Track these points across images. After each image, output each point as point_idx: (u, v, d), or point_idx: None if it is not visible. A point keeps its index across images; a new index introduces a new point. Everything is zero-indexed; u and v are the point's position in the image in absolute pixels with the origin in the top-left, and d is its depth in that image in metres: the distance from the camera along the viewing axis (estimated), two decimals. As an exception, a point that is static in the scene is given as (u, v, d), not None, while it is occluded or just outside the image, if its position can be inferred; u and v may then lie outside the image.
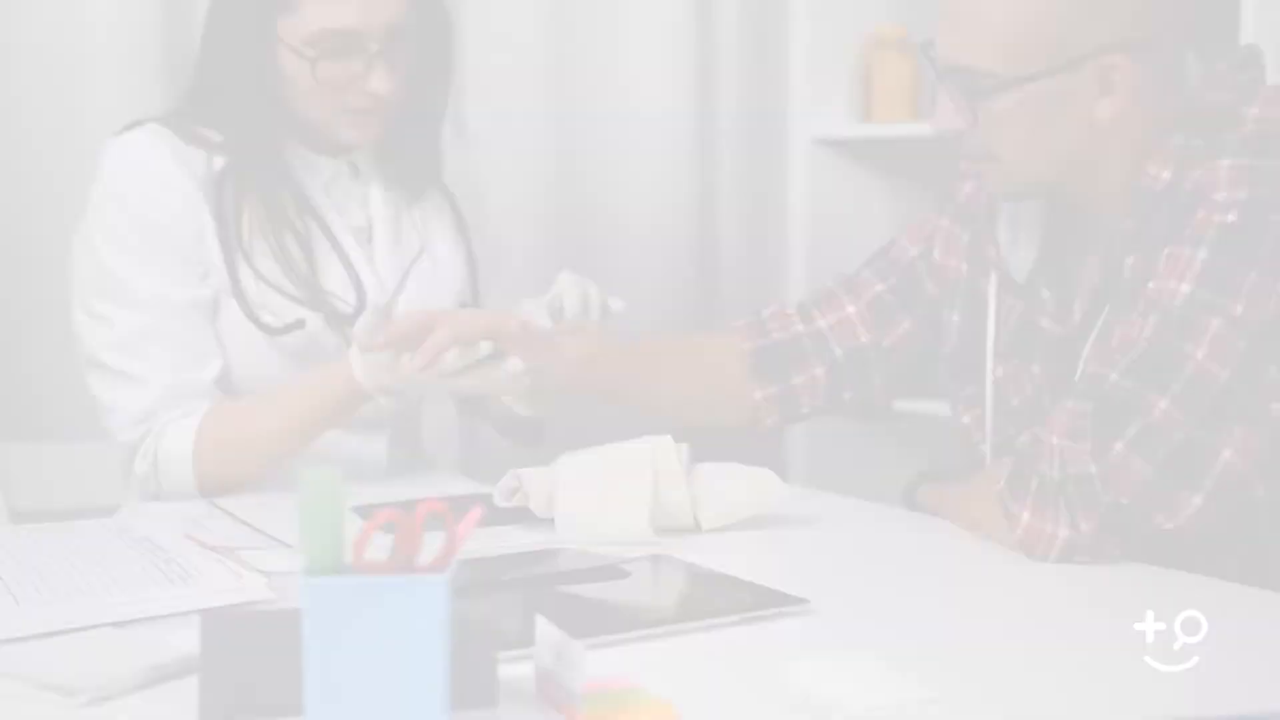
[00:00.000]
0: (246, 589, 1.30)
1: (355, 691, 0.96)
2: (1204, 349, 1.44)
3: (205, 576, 1.34)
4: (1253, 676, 1.17)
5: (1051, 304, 1.66)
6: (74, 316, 1.87)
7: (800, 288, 2.78)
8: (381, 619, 0.96)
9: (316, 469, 0.97)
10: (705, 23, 2.94)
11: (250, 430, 1.80)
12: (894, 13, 2.83)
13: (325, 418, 1.80)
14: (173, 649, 1.13)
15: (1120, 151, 1.56)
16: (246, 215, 1.86)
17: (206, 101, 1.91)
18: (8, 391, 2.47)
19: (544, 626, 1.06)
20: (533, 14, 2.81)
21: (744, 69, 2.99)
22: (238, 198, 1.86)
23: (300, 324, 1.86)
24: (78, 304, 1.86)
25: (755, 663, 1.18)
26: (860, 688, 1.07)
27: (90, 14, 2.44)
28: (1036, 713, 1.10)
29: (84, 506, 2.11)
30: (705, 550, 1.49)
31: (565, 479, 1.57)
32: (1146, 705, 1.10)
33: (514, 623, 1.23)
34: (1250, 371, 1.45)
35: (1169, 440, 1.43)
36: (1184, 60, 1.58)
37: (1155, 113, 1.56)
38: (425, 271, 1.97)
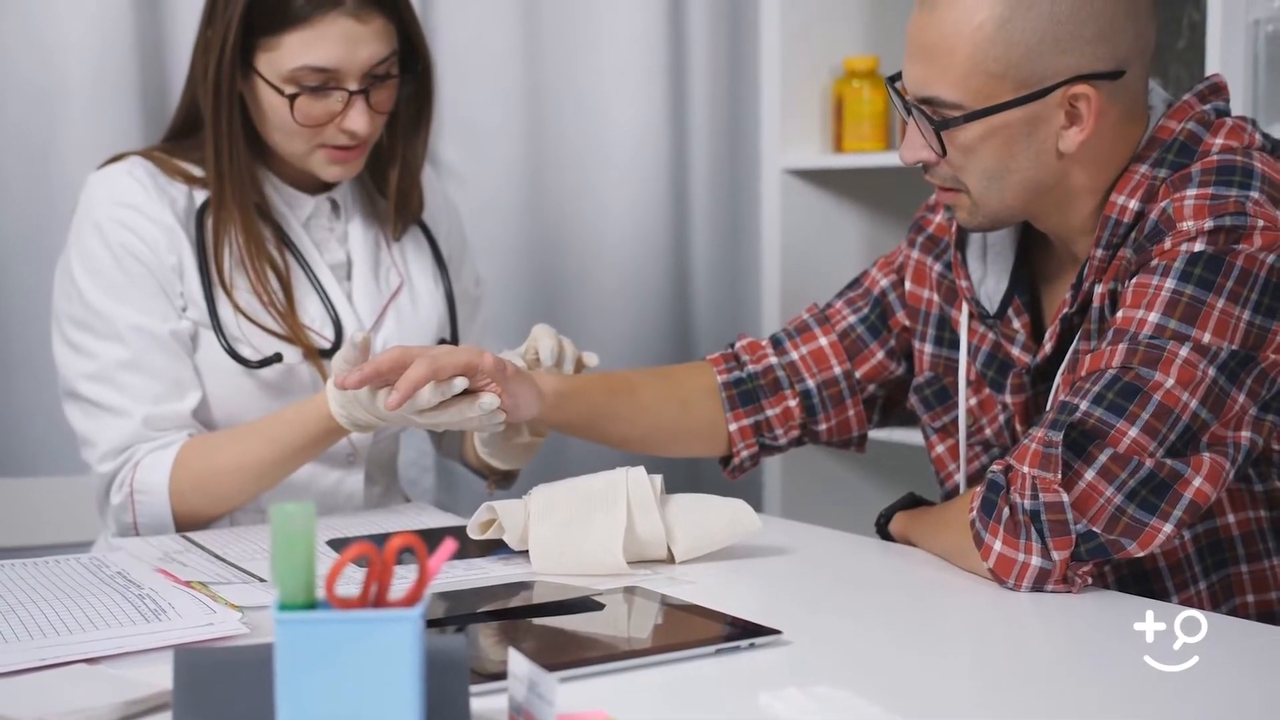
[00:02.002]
0: (220, 624, 1.30)
1: (328, 726, 0.96)
2: (1171, 378, 1.45)
3: (179, 612, 1.34)
4: (1225, 705, 1.17)
5: (1022, 334, 1.67)
6: (54, 348, 1.87)
7: (773, 317, 2.79)
8: (354, 654, 0.96)
9: (288, 503, 0.98)
10: (678, 55, 2.96)
11: (226, 463, 1.80)
12: (865, 44, 2.85)
13: (301, 451, 1.80)
14: (146, 685, 1.13)
15: (1087, 182, 1.58)
16: (226, 249, 1.86)
17: (188, 136, 1.92)
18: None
19: (517, 659, 1.06)
20: (506, 45, 2.83)
21: (717, 100, 3.01)
22: (218, 232, 1.86)
23: (278, 358, 1.86)
24: (58, 335, 1.86)
25: (729, 695, 1.18)
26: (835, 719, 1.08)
27: (68, 49, 2.44)
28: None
29: (58, 542, 2.11)
30: (679, 582, 1.50)
31: (539, 511, 1.57)
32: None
33: (487, 655, 1.24)
34: (1218, 399, 1.46)
35: (1138, 469, 1.44)
36: (1149, 91, 1.60)
37: (1121, 143, 1.57)
38: (404, 308, 1.98)
